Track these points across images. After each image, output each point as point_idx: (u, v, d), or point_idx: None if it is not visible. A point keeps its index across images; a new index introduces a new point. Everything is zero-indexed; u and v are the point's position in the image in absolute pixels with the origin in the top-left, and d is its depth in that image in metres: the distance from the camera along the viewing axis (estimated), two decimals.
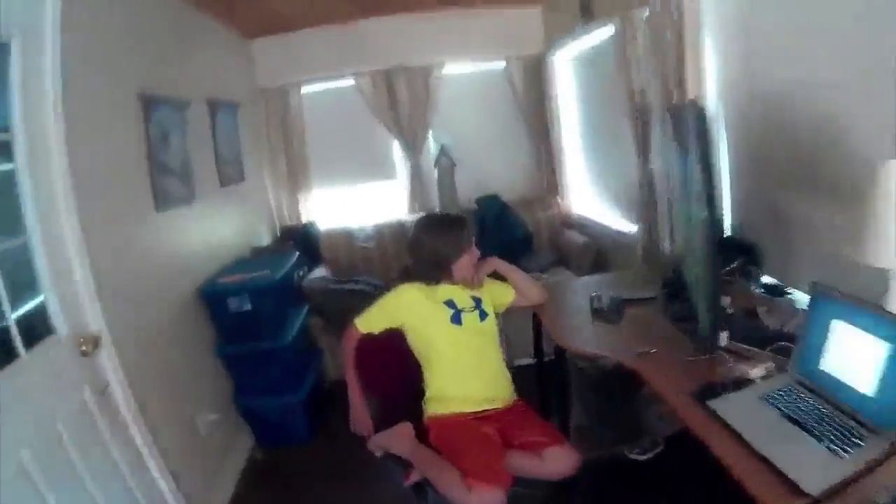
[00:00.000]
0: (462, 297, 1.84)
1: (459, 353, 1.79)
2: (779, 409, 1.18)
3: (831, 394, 1.19)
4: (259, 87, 4.00)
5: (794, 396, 1.21)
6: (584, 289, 2.18)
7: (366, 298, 2.02)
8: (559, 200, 4.22)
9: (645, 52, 2.51)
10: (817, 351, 1.22)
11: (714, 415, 1.20)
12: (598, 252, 3.58)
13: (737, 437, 1.13)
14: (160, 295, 2.23)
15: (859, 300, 1.17)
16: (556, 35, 3.82)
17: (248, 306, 2.51)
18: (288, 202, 4.17)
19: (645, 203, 2.75)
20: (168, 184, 2.37)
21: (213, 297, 2.53)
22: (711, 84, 2.23)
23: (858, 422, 1.10)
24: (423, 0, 3.69)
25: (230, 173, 3.24)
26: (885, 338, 1.07)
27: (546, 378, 2.42)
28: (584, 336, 1.83)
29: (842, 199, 1.56)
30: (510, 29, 4.04)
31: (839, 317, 1.18)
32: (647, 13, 2.41)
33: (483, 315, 1.84)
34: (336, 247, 3.92)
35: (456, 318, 1.79)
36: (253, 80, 3.98)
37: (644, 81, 2.60)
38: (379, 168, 4.31)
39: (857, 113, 1.50)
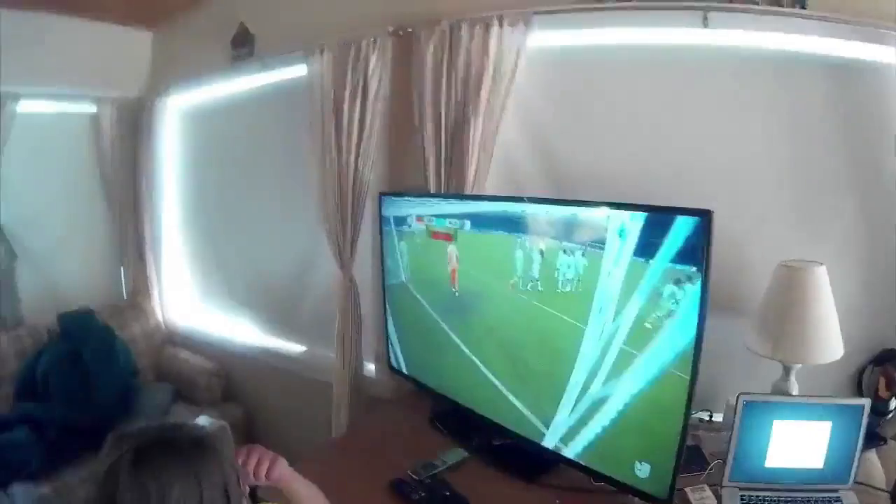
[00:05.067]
0: None
1: None
2: None
3: (787, 482, 1.30)
4: None
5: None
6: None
7: None
8: (155, 307, 3.04)
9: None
10: (759, 453, 1.30)
11: None
12: (228, 378, 2.77)
13: None
14: None
15: (790, 397, 1.33)
16: (170, 72, 2.81)
17: None
18: None
19: (344, 308, 2.14)
20: None
21: None
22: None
23: (822, 491, 1.27)
24: None
25: None
26: (822, 418, 1.27)
27: None
28: None
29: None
30: (112, 57, 2.77)
31: (778, 417, 1.27)
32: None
33: None
34: None
35: None
36: None
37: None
38: None
39: None
